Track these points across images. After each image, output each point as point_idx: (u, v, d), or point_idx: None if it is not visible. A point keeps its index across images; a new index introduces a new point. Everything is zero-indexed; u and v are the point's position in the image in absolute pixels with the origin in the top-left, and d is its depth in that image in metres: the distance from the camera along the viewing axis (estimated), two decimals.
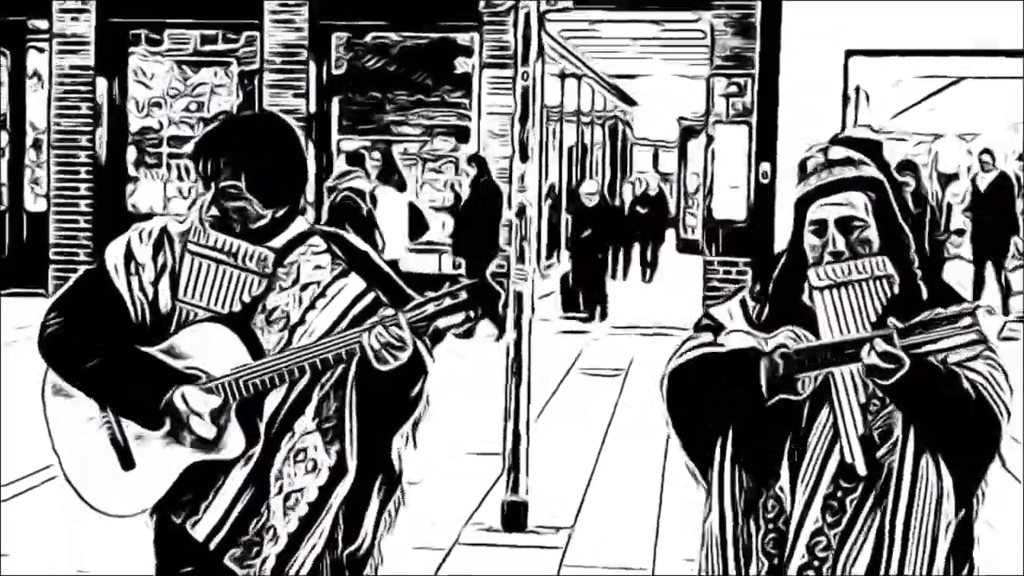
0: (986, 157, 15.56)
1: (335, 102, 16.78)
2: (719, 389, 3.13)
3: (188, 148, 3.56)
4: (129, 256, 3.26)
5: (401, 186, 14.48)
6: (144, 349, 3.21)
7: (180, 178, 16.94)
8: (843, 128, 15.14)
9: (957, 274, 15.77)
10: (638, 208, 22.96)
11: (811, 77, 15.39)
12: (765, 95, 15.53)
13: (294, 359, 3.16)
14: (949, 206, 16.43)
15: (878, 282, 3.07)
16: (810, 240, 3.12)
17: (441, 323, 3.15)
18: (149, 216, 16.68)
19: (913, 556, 3.07)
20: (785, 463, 3.10)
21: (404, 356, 3.14)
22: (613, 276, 20.50)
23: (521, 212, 6.95)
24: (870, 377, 2.99)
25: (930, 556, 3.08)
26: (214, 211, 3.22)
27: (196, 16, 16.51)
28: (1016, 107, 15.78)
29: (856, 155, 3.18)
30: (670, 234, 27.24)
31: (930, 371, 2.98)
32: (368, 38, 16.67)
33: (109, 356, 3.21)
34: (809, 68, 15.38)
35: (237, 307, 3.22)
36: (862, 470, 3.04)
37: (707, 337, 3.20)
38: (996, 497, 3.22)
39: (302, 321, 3.23)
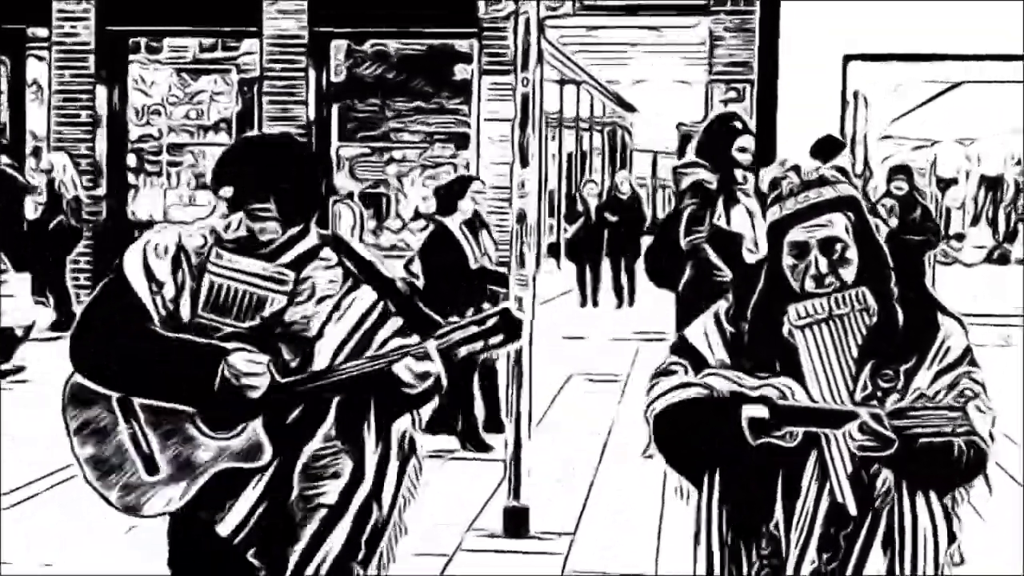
0: None
1: (335, 109, 16.79)
2: (707, 433, 3.14)
3: (208, 172, 3.72)
4: (148, 272, 3.40)
5: None
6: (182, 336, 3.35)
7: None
8: (842, 132, 15.16)
9: (956, 279, 15.78)
10: (606, 215, 18.76)
11: (810, 82, 15.40)
12: (764, 101, 15.53)
13: (347, 373, 3.34)
14: (948, 210, 16.43)
15: (858, 315, 3.06)
16: (789, 262, 3.08)
17: (462, 350, 3.34)
18: (149, 224, 16.71)
19: None
20: (779, 502, 3.11)
21: (430, 383, 3.36)
22: (583, 303, 18.69)
23: (521, 218, 6.96)
24: (859, 452, 3.01)
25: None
26: (241, 232, 3.39)
27: (195, 24, 16.52)
28: (1016, 111, 15.79)
29: (830, 173, 3.14)
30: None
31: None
32: (367, 45, 16.68)
33: (150, 352, 3.33)
34: (808, 73, 15.39)
35: (257, 322, 3.38)
36: (853, 510, 3.06)
37: (688, 376, 3.18)
38: (995, 498, 3.23)
39: (320, 335, 3.39)
